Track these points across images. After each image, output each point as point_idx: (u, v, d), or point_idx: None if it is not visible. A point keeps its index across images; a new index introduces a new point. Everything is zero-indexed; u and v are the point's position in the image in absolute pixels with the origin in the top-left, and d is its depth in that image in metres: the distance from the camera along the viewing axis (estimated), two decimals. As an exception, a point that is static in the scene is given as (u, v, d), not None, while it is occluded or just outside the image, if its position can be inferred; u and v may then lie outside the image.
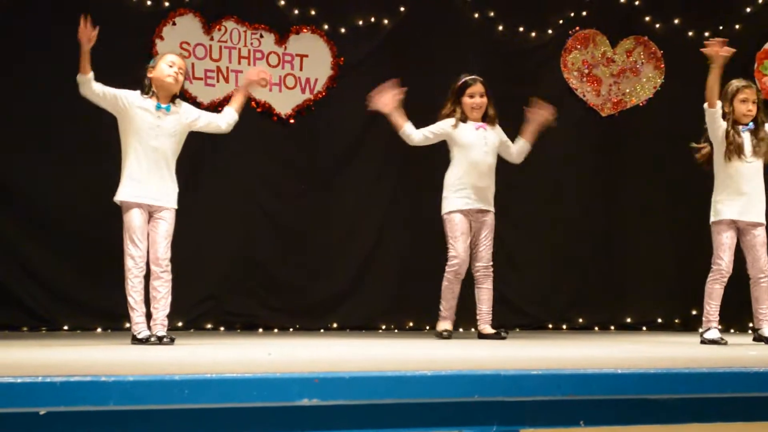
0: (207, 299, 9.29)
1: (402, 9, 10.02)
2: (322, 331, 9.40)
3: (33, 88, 8.78)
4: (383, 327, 9.74)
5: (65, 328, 8.73)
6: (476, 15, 10.25)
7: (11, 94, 8.77)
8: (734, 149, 7.20)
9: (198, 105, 9.08)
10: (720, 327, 7.27)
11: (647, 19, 10.64)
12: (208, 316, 9.29)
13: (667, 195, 10.45)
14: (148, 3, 9.19)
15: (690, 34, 10.65)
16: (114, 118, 6.66)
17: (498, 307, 9.96)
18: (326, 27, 9.80)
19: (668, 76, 10.60)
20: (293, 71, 9.69)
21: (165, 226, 6.57)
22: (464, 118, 7.99)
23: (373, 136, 9.84)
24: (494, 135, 8.00)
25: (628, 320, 10.37)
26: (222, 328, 9.27)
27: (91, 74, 6.47)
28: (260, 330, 9.29)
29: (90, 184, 8.67)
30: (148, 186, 6.54)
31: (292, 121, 9.64)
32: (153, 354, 5.00)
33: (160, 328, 6.47)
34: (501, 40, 10.34)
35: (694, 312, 10.09)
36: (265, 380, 3.45)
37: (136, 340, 6.41)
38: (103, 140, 8.70)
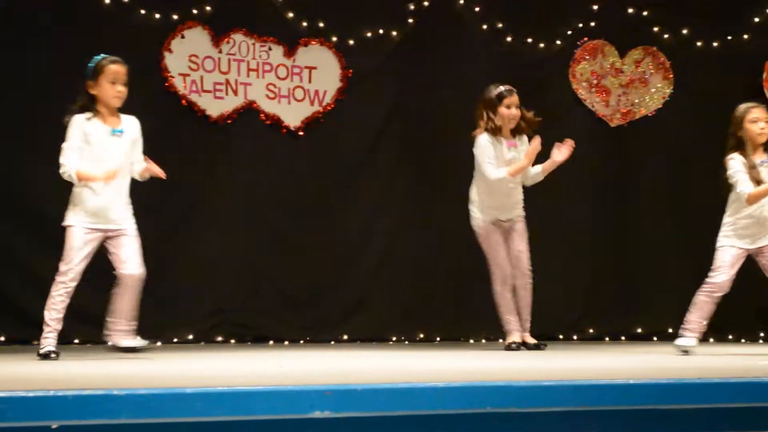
0: (217, 312, 9.28)
1: (410, 21, 10.03)
2: (332, 343, 9.39)
3: (50, 98, 8.80)
4: (393, 339, 9.73)
5: (76, 341, 8.74)
6: (485, 26, 10.25)
7: (20, 103, 8.78)
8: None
9: (207, 118, 9.14)
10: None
11: (656, 29, 10.63)
12: (218, 329, 9.28)
13: (677, 205, 10.42)
14: (157, 16, 9.21)
15: (699, 44, 10.65)
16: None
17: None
18: (335, 39, 9.80)
19: (677, 87, 10.59)
20: (302, 83, 9.69)
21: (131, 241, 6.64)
22: (497, 131, 7.97)
23: (383, 148, 9.86)
24: (522, 152, 7.96)
25: (639, 331, 10.35)
26: (233, 341, 9.27)
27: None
28: (271, 342, 9.29)
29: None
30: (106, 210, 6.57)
31: (301, 133, 9.64)
32: (164, 367, 5.01)
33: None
34: (509, 52, 10.33)
35: (704, 322, 10.09)
36: (276, 393, 3.45)
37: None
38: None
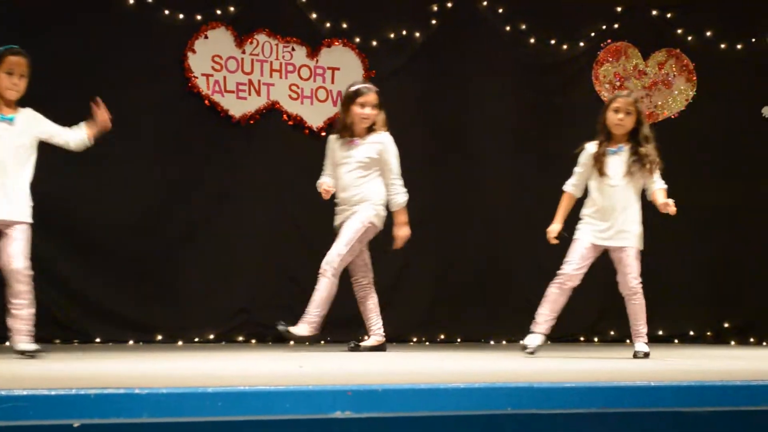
0: (239, 312, 9.30)
1: (433, 22, 10.03)
2: (353, 344, 9.39)
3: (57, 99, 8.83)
4: (414, 340, 9.73)
5: (97, 340, 8.76)
6: (508, 28, 10.25)
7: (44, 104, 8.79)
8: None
9: (230, 118, 9.17)
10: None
11: (679, 31, 10.61)
12: (239, 329, 9.29)
13: (698, 208, 10.37)
14: (180, 16, 9.22)
15: (722, 46, 10.62)
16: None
17: (529, 318, 9.95)
18: (358, 40, 9.81)
19: (700, 89, 10.56)
20: (325, 84, 9.71)
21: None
22: (348, 132, 7.80)
23: (405, 149, 9.84)
24: (365, 149, 7.77)
25: (660, 333, 10.31)
26: (253, 341, 9.28)
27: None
28: (291, 343, 9.29)
29: (119, 195, 8.72)
30: None
31: (323, 133, 9.64)
32: (186, 366, 5.02)
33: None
34: (532, 53, 10.32)
35: (726, 324, 10.05)
36: (297, 393, 3.45)
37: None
38: (129, 151, 8.75)
